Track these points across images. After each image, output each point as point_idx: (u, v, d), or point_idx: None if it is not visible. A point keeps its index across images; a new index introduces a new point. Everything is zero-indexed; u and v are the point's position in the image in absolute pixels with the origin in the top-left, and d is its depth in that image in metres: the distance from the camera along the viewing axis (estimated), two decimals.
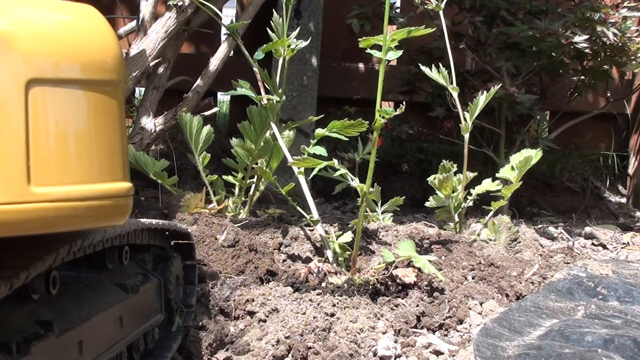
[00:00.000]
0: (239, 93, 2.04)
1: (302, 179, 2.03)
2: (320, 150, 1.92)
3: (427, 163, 3.56)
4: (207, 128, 2.35)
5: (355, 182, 1.86)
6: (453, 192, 2.27)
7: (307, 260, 1.99)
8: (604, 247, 2.71)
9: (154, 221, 1.28)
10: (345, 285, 1.78)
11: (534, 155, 2.28)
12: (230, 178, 2.40)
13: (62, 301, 1.00)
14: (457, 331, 1.68)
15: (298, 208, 2.06)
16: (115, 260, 1.18)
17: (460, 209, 2.32)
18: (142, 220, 1.23)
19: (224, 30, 2.74)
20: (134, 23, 2.91)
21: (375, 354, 1.49)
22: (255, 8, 2.90)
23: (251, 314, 1.59)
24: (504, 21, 3.10)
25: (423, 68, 2.25)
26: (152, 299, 1.32)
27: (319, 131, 1.94)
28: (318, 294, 1.68)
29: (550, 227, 2.99)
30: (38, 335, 0.90)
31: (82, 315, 1.04)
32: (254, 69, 2.07)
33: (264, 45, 2.02)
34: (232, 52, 2.91)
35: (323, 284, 1.83)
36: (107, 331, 1.12)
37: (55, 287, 0.95)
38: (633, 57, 3.04)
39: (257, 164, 2.29)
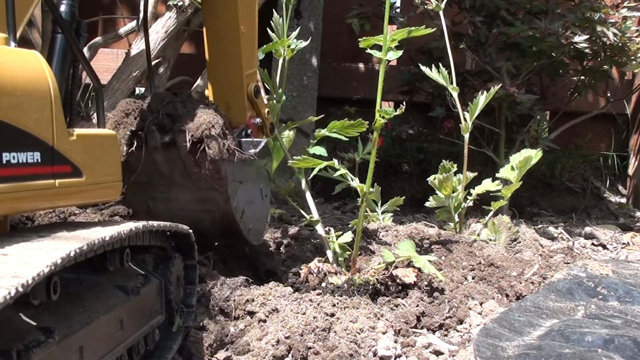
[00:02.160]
0: None
1: (302, 179, 2.03)
2: (320, 150, 1.92)
3: (427, 163, 3.56)
4: None
5: (355, 182, 1.86)
6: (453, 192, 2.27)
7: (307, 260, 1.99)
8: (604, 247, 2.71)
9: (155, 223, 1.27)
10: (345, 285, 1.78)
11: (534, 155, 2.28)
12: None
13: (62, 306, 0.99)
14: (457, 331, 1.68)
15: (298, 208, 2.06)
16: (116, 263, 1.17)
17: (460, 209, 2.32)
18: (144, 222, 1.22)
19: None
20: (134, 23, 2.91)
21: (375, 354, 1.49)
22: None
23: (251, 314, 1.59)
24: (504, 21, 3.10)
25: (423, 68, 2.25)
26: (153, 300, 1.32)
27: (319, 131, 1.94)
28: (318, 294, 1.68)
29: (550, 227, 3.00)
30: (39, 342, 0.89)
31: (82, 319, 1.02)
32: None
33: (264, 46, 2.02)
34: None
35: (323, 284, 1.83)
36: (108, 335, 1.11)
37: (56, 292, 0.93)
38: (633, 57, 3.05)
39: None
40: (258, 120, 1.84)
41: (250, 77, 1.81)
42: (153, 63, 2.66)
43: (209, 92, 1.88)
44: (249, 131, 1.81)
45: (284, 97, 2.11)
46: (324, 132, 1.91)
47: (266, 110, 1.88)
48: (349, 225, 2.15)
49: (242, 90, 1.77)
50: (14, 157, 0.99)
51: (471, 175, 2.29)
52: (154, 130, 1.57)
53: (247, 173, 1.72)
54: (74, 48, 1.34)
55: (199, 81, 2.84)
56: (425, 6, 2.83)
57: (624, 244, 2.76)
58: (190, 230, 1.46)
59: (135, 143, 1.57)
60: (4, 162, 0.98)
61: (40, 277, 0.83)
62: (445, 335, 1.66)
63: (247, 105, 1.79)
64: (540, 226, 2.99)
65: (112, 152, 1.27)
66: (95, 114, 2.32)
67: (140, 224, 1.19)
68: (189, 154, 1.56)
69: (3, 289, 0.76)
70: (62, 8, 1.37)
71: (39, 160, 1.04)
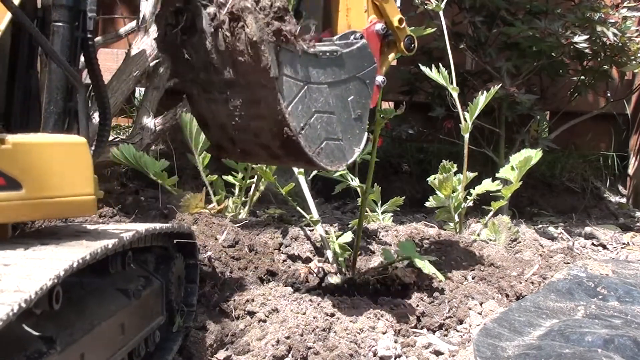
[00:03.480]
0: None
1: (302, 179, 2.03)
2: None
3: (427, 163, 3.56)
4: None
5: (355, 182, 1.86)
6: (453, 192, 2.27)
7: (307, 260, 2.00)
8: (604, 247, 2.71)
9: (157, 226, 1.26)
10: (345, 285, 1.79)
11: (533, 155, 2.28)
12: (230, 178, 2.40)
13: (64, 311, 0.97)
14: (457, 331, 1.68)
15: (298, 208, 2.06)
16: (117, 266, 1.17)
17: (460, 209, 2.32)
18: (146, 225, 1.22)
19: None
20: (134, 23, 2.91)
21: (375, 354, 1.49)
22: None
23: (251, 314, 1.59)
24: (504, 21, 3.10)
25: (423, 68, 2.25)
26: (154, 301, 1.31)
27: None
28: (318, 294, 1.69)
29: (550, 227, 2.99)
30: (40, 352, 0.88)
31: (84, 326, 1.02)
32: None
33: None
34: None
35: (323, 284, 1.83)
36: (109, 340, 1.10)
37: (59, 302, 0.91)
38: (633, 57, 3.05)
39: (257, 164, 2.28)
40: (380, 26, 1.47)
41: None
42: (153, 63, 2.66)
43: None
44: (358, 35, 1.45)
45: None
46: None
47: (398, 17, 1.49)
48: (349, 225, 2.15)
49: None
50: None
51: (471, 175, 2.29)
52: (199, 7, 1.31)
53: (322, 74, 1.37)
54: (50, 54, 1.18)
55: None
56: (425, 6, 2.82)
57: (624, 244, 2.76)
58: (192, 230, 1.45)
59: (182, 24, 1.34)
60: None
61: (44, 291, 0.82)
62: (445, 335, 1.66)
63: (368, 6, 1.46)
64: (540, 226, 2.99)
65: (78, 162, 1.10)
66: (94, 115, 2.32)
67: (142, 227, 1.19)
68: (229, 35, 1.28)
69: (6, 306, 0.75)
70: None
71: None
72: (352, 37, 1.44)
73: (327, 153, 1.41)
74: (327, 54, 1.36)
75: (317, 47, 1.35)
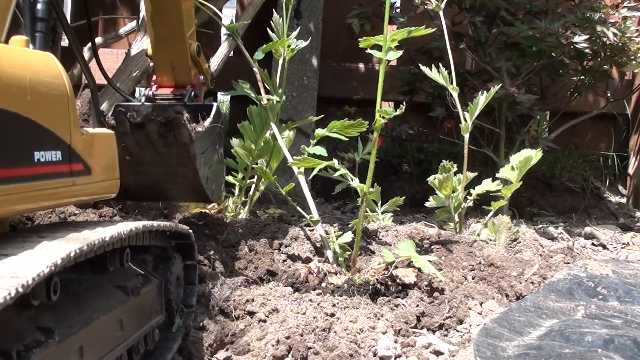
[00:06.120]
0: (239, 93, 2.05)
1: (302, 179, 2.03)
2: (320, 150, 1.92)
3: (427, 163, 3.56)
4: None
5: (355, 182, 1.86)
6: (453, 192, 2.27)
7: (307, 260, 1.99)
8: (604, 247, 2.71)
9: (155, 223, 1.27)
10: (345, 285, 1.78)
11: (534, 155, 2.28)
12: (230, 178, 2.40)
13: (62, 306, 0.99)
14: (457, 331, 1.68)
15: (298, 208, 2.06)
16: (116, 263, 1.17)
17: (460, 209, 2.32)
18: (144, 222, 1.23)
19: (224, 31, 2.74)
20: (134, 23, 2.91)
21: (375, 354, 1.49)
22: (255, 8, 2.90)
23: (251, 314, 1.59)
24: (504, 21, 3.10)
25: (423, 68, 2.25)
26: (153, 300, 1.32)
27: (319, 131, 1.94)
28: (318, 294, 1.68)
29: (550, 227, 2.99)
30: (39, 342, 0.89)
31: (82, 320, 1.02)
32: (254, 69, 2.07)
33: (264, 45, 2.02)
34: (232, 52, 2.91)
35: (323, 284, 1.83)
36: (108, 335, 1.11)
37: (56, 293, 0.93)
38: (633, 57, 3.05)
39: (257, 164, 2.29)
40: (202, 77, 1.90)
41: (191, 37, 1.84)
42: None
43: (150, 52, 1.87)
44: (197, 92, 1.87)
45: (284, 97, 2.11)
46: (324, 132, 1.92)
47: (207, 64, 1.94)
48: (349, 225, 2.15)
49: (185, 52, 1.80)
50: (42, 156, 1.03)
51: (471, 175, 2.29)
52: (124, 119, 1.64)
53: (206, 141, 1.78)
54: (74, 49, 1.34)
55: None
56: (425, 6, 2.82)
57: (624, 244, 2.76)
58: (191, 231, 1.46)
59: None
60: (35, 160, 1.01)
61: (41, 278, 0.83)
62: (445, 335, 1.66)
63: (191, 65, 1.83)
64: (540, 226, 2.99)
65: (111, 150, 1.31)
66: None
67: (140, 224, 1.19)
68: (159, 138, 1.65)
69: (3, 290, 0.76)
70: (39, 6, 1.30)
71: (60, 159, 1.08)
72: (192, 94, 1.83)
73: (215, 192, 1.89)
74: (207, 125, 1.76)
75: (205, 126, 1.74)
